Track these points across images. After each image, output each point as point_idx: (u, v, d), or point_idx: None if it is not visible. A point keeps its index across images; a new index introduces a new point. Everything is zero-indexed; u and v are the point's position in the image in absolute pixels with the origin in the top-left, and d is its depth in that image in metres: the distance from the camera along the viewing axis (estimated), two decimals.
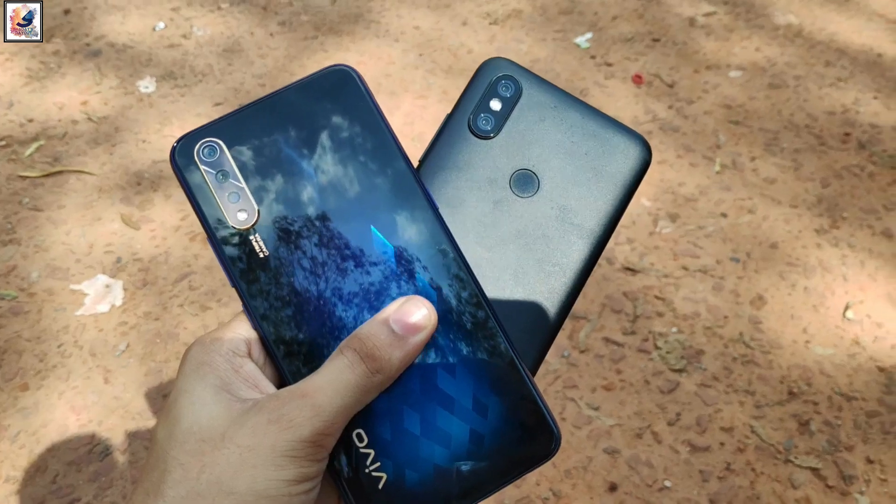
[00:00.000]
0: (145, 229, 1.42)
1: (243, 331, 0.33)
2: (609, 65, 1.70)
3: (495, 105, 0.39)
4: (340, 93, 0.34)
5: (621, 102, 1.61)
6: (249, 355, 0.33)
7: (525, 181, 0.38)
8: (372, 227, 0.34)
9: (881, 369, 1.18)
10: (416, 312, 0.32)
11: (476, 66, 0.39)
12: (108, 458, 1.12)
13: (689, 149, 1.52)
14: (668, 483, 1.08)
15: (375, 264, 0.34)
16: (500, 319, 0.34)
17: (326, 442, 0.30)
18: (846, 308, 1.26)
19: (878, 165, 1.48)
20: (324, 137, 0.34)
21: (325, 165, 0.34)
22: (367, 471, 0.33)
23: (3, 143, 1.59)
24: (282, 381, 0.33)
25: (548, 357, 1.21)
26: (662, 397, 1.17)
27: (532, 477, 1.10)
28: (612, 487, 1.08)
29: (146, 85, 1.69)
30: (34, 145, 1.58)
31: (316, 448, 0.30)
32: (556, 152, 0.38)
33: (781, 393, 1.16)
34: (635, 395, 1.17)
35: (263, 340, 0.33)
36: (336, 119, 0.34)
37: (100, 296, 1.33)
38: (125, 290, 1.34)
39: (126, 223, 1.43)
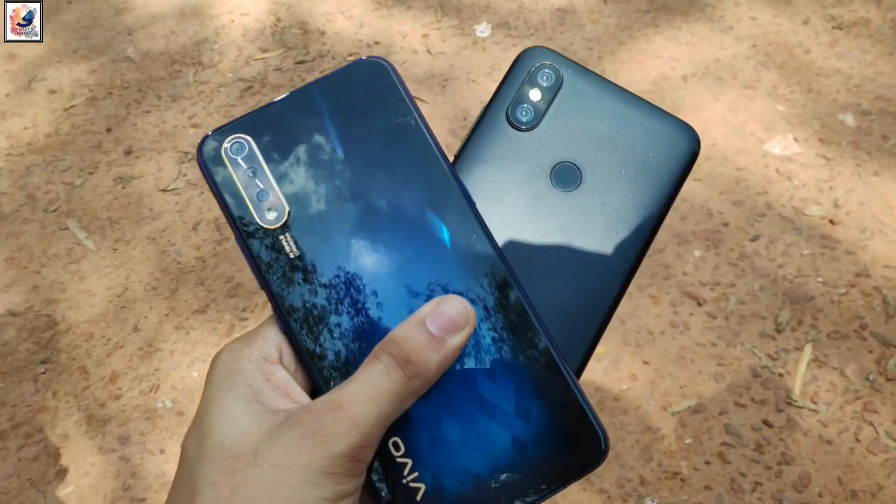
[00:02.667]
0: None
1: (273, 335, 0.32)
2: None
3: (535, 95, 0.37)
4: (373, 85, 0.33)
5: None
6: (280, 361, 0.32)
7: (567, 174, 0.36)
8: (406, 225, 0.32)
9: None
10: (454, 312, 0.31)
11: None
12: None
13: None
14: None
15: (410, 264, 0.32)
16: (542, 320, 0.32)
17: (364, 455, 0.29)
18: None
19: None
20: (356, 132, 0.33)
21: (358, 162, 0.33)
22: (404, 481, 0.31)
23: (352, 58, 1.73)
24: (314, 387, 0.32)
25: (850, 375, 1.16)
26: None
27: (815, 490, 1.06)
28: None
29: (482, 30, 1.78)
30: None
31: (354, 463, 0.29)
32: (600, 144, 0.37)
33: None
34: None
35: (294, 345, 0.32)
36: (368, 113, 0.33)
37: None
38: None
39: None
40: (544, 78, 0.37)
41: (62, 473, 1.17)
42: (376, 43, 1.79)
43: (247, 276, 1.36)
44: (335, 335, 0.32)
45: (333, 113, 0.33)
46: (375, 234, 0.32)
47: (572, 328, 0.35)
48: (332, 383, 0.31)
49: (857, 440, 1.13)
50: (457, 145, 1.54)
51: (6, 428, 1.22)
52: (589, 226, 0.36)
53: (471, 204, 0.33)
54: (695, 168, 1.49)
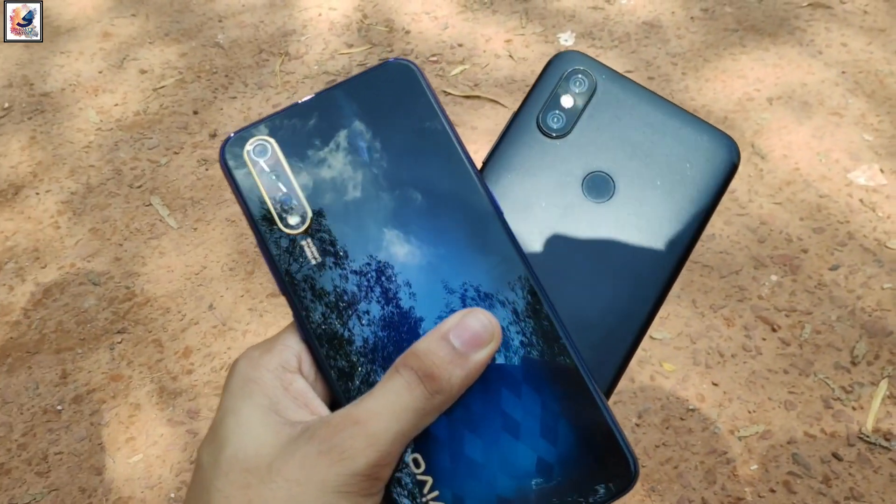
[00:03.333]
0: None
1: (293, 343, 0.31)
2: None
3: (567, 102, 0.36)
4: (400, 89, 0.32)
5: None
6: (300, 370, 0.31)
7: (599, 185, 0.35)
8: (431, 235, 0.31)
9: None
10: (479, 326, 0.29)
11: None
12: None
13: None
14: None
15: (435, 273, 0.31)
16: (572, 337, 0.31)
17: (382, 473, 0.28)
18: None
19: None
20: (382, 137, 0.32)
21: (383, 167, 0.32)
22: (424, 499, 0.30)
23: (435, 59, 1.75)
24: (334, 398, 0.31)
25: None
26: None
27: None
28: None
29: (566, 38, 1.78)
30: (459, 68, 1.73)
31: (371, 481, 0.28)
32: (634, 153, 0.35)
33: None
34: None
35: (314, 354, 0.31)
36: (395, 117, 0.32)
37: None
38: None
39: None
40: (577, 83, 0.36)
41: (131, 441, 1.20)
42: (459, 45, 1.80)
43: None
44: (356, 345, 0.31)
45: (359, 116, 0.32)
46: (399, 241, 0.31)
47: (603, 345, 0.33)
48: (352, 395, 0.30)
49: None
50: None
51: (81, 392, 1.26)
52: (622, 239, 0.34)
53: (499, 213, 0.32)
54: (775, 192, 1.46)
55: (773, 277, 1.33)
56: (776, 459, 1.13)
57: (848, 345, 1.24)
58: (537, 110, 0.36)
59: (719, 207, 1.44)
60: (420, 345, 0.29)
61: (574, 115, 0.36)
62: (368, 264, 0.31)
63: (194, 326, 1.33)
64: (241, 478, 0.28)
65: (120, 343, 1.32)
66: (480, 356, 0.29)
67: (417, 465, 0.30)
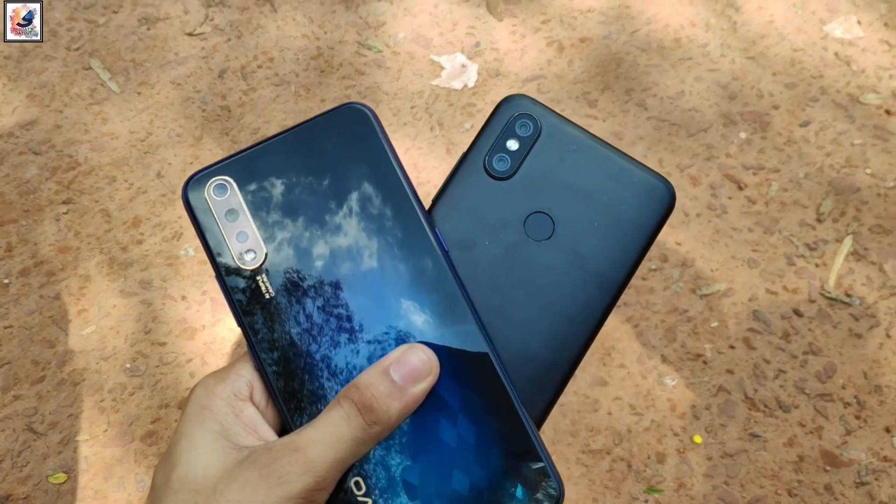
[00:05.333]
0: (507, 22, 1.42)
1: (246, 372, 0.34)
2: None
3: (512, 145, 0.38)
4: (352, 132, 0.35)
5: None
6: (251, 398, 0.33)
7: (540, 224, 0.37)
8: (378, 271, 0.34)
9: None
10: (418, 361, 0.32)
11: None
12: None
13: None
14: None
15: (380, 309, 0.33)
16: (507, 369, 0.34)
17: (318, 497, 0.30)
18: None
19: None
20: (333, 178, 0.34)
21: (334, 207, 0.34)
22: None
23: None
24: (283, 426, 0.34)
25: (888, 271, 1.13)
26: None
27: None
28: None
29: None
30: None
31: None
32: (574, 195, 0.37)
33: None
34: None
35: (265, 382, 0.33)
36: (346, 160, 0.34)
37: (455, 73, 1.36)
38: (479, 74, 1.36)
39: (490, 11, 1.43)
40: (522, 128, 0.38)
41: (83, 313, 1.17)
42: None
43: (272, 129, 1.32)
44: (304, 376, 0.33)
45: (313, 158, 0.34)
46: (348, 280, 0.33)
47: (538, 378, 0.35)
48: (300, 422, 0.33)
49: (888, 336, 1.10)
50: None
51: (28, 265, 1.21)
52: (559, 277, 0.36)
53: (444, 252, 0.34)
54: (749, 45, 1.40)
55: (742, 135, 1.29)
56: (737, 316, 1.13)
57: (814, 202, 1.22)
58: (484, 153, 0.38)
59: (689, 63, 1.38)
60: (362, 378, 0.32)
61: (519, 158, 0.37)
62: (318, 300, 0.33)
63: (142, 195, 1.27)
64: (188, 497, 0.30)
65: (66, 214, 1.26)
66: (418, 389, 0.32)
67: (358, 487, 0.32)
